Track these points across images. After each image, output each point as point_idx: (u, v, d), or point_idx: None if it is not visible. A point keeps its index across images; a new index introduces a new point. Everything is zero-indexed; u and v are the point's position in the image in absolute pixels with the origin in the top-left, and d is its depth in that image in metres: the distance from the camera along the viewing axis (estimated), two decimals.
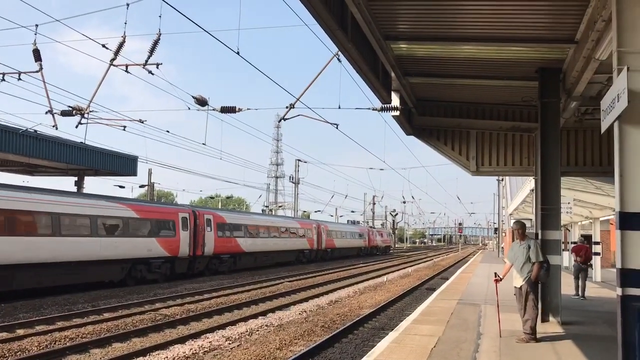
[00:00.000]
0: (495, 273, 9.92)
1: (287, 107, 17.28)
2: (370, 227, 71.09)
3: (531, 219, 26.47)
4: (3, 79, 16.06)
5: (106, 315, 15.42)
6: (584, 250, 16.07)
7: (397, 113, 12.72)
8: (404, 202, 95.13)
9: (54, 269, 18.88)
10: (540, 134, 11.30)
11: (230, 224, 31.12)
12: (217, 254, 29.32)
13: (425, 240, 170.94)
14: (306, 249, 42.35)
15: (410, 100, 13.27)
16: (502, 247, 53.62)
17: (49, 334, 12.46)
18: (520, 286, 9.35)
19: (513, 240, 10.03)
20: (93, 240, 20.61)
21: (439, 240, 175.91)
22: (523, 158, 14.32)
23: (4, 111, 77.07)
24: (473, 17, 8.80)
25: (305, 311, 16.79)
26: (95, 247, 20.62)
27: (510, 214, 39.50)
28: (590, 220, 25.32)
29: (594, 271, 23.30)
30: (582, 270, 15.70)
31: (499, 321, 10.01)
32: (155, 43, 15.87)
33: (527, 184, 20.65)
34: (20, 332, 12.81)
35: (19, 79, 16.26)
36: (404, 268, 39.23)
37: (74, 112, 17.16)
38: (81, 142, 26.20)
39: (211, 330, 13.42)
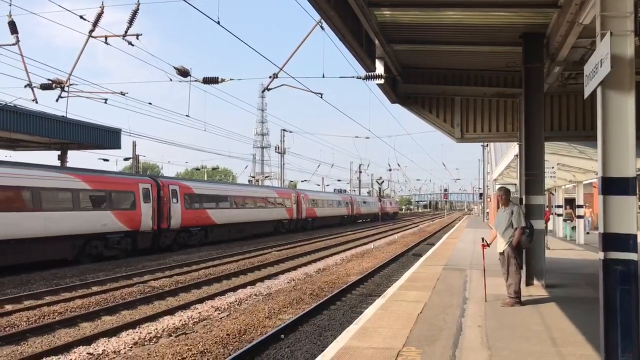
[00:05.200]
0: (483, 238, 10.07)
1: (270, 77, 17.12)
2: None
3: (515, 184, 26.76)
4: None
5: (95, 288, 15.44)
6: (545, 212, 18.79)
7: (381, 81, 12.62)
8: (390, 170, 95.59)
9: None
10: (524, 99, 11.31)
11: (199, 194, 29.49)
12: (186, 227, 27.80)
13: (412, 207, 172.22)
14: (285, 219, 42.07)
15: (394, 68, 13.17)
16: (487, 212, 54.21)
17: (38, 309, 12.45)
18: (503, 251, 9.48)
19: (498, 207, 10.13)
20: (36, 215, 18.74)
21: (425, 206, 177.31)
22: (507, 124, 14.33)
23: None
24: None
25: (293, 280, 16.95)
26: (39, 222, 18.81)
27: (495, 180, 39.84)
28: (574, 184, 25.65)
29: (578, 234, 23.78)
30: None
31: (485, 286, 10.14)
32: (134, 13, 15.54)
33: (512, 150, 20.76)
34: (9, 307, 12.80)
35: None
36: (391, 235, 39.58)
37: (53, 85, 16.85)
38: (62, 116, 25.78)
39: (200, 301, 13.50)
